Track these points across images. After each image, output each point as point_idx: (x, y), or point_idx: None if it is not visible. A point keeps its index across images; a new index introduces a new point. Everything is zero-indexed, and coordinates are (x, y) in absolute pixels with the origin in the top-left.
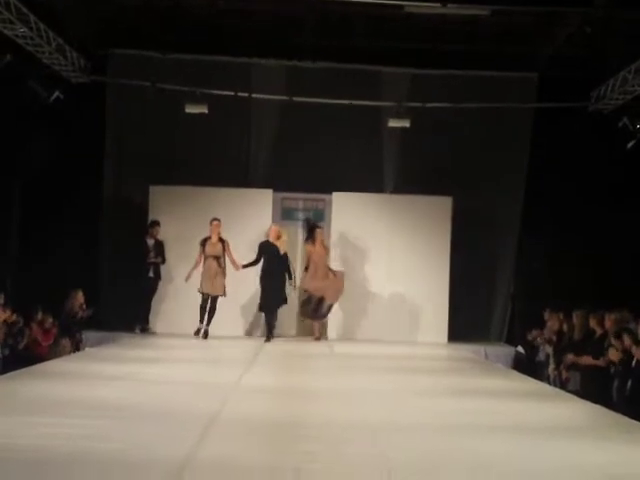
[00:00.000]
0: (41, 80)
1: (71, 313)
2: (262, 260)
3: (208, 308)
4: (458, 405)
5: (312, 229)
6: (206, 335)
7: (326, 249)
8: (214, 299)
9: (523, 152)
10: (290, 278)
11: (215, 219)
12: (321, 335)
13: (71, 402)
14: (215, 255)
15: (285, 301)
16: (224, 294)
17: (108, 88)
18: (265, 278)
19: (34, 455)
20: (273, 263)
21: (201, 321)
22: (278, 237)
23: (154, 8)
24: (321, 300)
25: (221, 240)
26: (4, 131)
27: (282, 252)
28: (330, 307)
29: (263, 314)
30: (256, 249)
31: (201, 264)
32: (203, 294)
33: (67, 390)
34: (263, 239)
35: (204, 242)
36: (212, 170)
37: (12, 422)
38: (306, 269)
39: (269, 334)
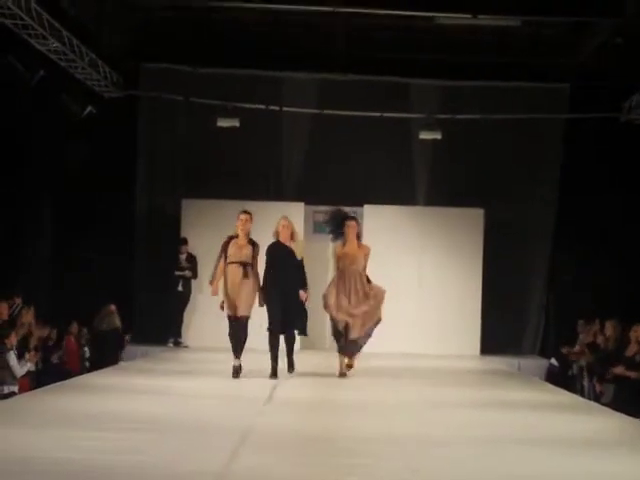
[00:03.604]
0: (74, 95)
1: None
2: (271, 268)
3: (238, 336)
4: (492, 418)
5: (341, 222)
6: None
7: (363, 251)
8: (242, 322)
9: (555, 163)
10: (304, 289)
11: (245, 212)
12: (350, 365)
13: (105, 415)
14: (242, 261)
15: (304, 329)
16: (249, 314)
17: (140, 102)
18: (277, 292)
19: (68, 468)
20: (287, 272)
21: (236, 355)
22: (292, 235)
23: (185, 22)
24: (347, 327)
25: (251, 242)
26: (38, 146)
27: (299, 257)
28: (356, 342)
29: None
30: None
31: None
32: (228, 316)
33: (101, 404)
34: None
35: (227, 243)
36: (244, 183)
37: (47, 436)
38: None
39: (288, 359)
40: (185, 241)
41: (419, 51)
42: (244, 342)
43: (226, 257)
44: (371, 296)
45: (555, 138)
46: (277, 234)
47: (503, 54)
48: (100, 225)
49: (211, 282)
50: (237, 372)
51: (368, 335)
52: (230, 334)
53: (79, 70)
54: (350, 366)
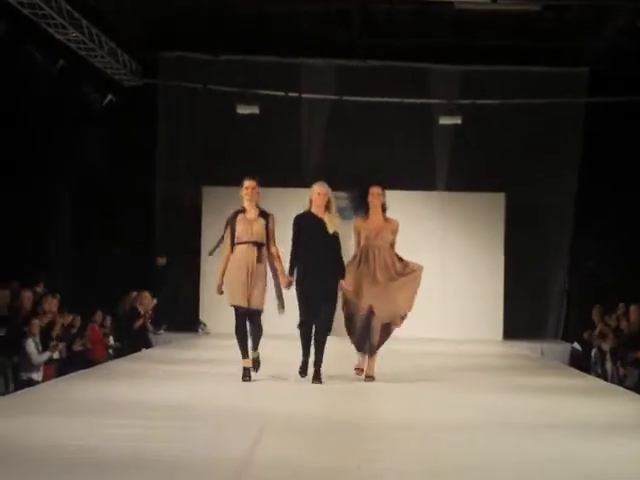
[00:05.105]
0: (94, 84)
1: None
2: (300, 243)
3: (249, 329)
4: (515, 403)
5: (365, 191)
6: (256, 365)
7: (391, 224)
8: (254, 315)
9: (575, 147)
10: (342, 277)
11: (250, 178)
12: (372, 371)
13: (128, 403)
14: (254, 241)
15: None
16: (263, 308)
17: (160, 90)
18: (305, 274)
19: (91, 456)
20: (318, 248)
21: (244, 355)
22: (327, 206)
23: (203, 10)
24: (369, 316)
25: (263, 214)
26: (59, 134)
27: (331, 231)
28: (386, 330)
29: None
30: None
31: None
32: (236, 308)
33: (124, 391)
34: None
35: (234, 218)
36: (264, 170)
37: (69, 424)
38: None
39: (315, 367)
40: (161, 254)
41: (439, 36)
42: (260, 332)
43: (234, 236)
44: (405, 273)
45: (575, 122)
46: (310, 202)
47: (523, 38)
48: (121, 212)
49: (219, 282)
50: (248, 374)
51: (386, 330)
52: (238, 329)
53: (98, 59)
54: (370, 378)
